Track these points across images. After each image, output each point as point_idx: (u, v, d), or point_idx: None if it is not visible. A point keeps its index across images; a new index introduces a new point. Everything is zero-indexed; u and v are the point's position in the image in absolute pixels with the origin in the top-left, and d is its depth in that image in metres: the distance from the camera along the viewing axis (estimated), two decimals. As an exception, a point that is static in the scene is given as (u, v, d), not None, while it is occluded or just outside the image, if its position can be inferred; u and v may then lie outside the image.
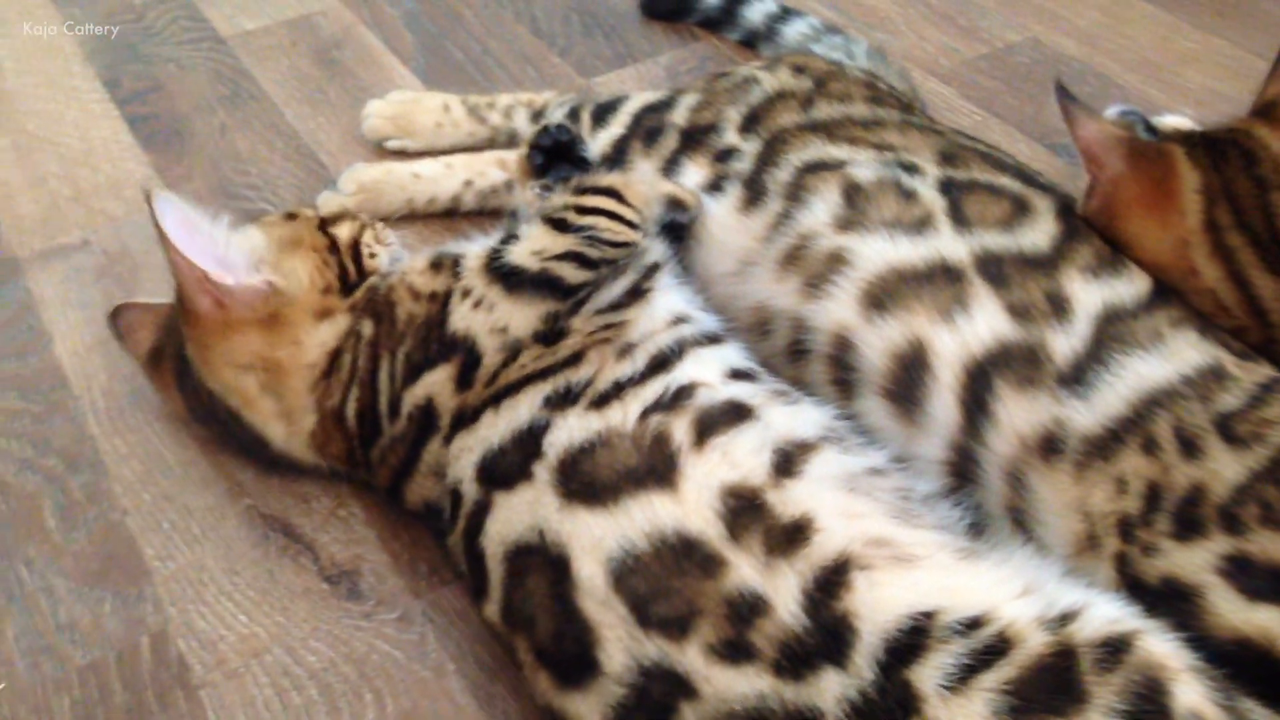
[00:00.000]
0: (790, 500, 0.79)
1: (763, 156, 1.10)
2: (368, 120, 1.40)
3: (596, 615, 0.77)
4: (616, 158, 1.18)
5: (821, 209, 1.02)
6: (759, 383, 0.91)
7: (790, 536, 0.77)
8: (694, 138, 1.15)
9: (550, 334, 0.91)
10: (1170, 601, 0.79)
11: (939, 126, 1.15)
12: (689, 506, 0.79)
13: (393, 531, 1.00)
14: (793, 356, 1.01)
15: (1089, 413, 0.86)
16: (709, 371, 0.90)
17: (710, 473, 0.80)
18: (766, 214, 1.06)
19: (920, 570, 0.75)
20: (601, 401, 0.86)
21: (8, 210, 1.34)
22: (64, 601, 0.96)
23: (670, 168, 1.14)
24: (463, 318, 0.92)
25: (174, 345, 1.02)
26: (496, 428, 0.87)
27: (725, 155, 1.12)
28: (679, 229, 1.06)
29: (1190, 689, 0.68)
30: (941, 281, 0.94)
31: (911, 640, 0.71)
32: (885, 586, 0.74)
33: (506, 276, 0.93)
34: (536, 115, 1.35)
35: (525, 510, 0.82)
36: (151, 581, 0.97)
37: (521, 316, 0.91)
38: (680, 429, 0.83)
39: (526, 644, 0.81)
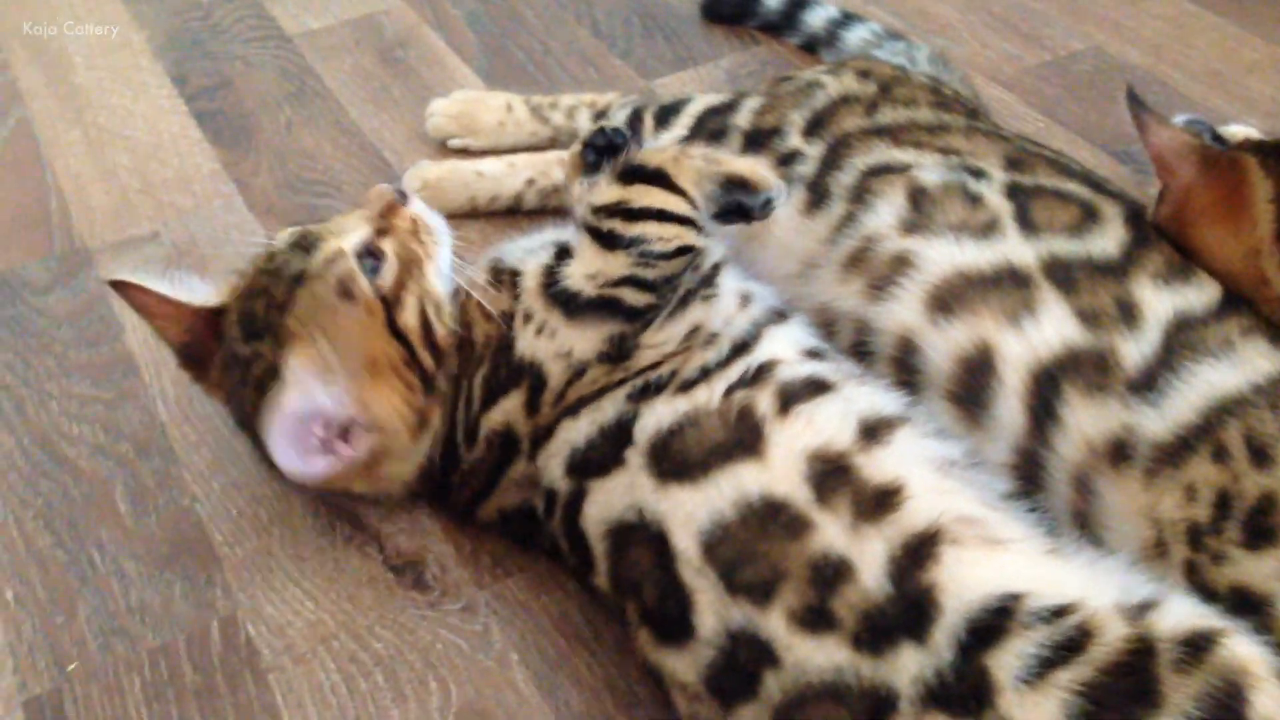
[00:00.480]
0: (879, 466, 0.80)
1: (826, 160, 1.10)
2: (432, 118, 1.42)
3: (693, 582, 0.79)
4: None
5: (886, 212, 1.02)
6: (832, 361, 0.92)
7: (880, 501, 0.78)
8: (757, 140, 1.16)
9: (616, 354, 0.90)
10: (1240, 611, 0.78)
11: (1004, 132, 1.15)
12: (776, 471, 0.81)
13: (457, 524, 1.01)
14: (856, 358, 1.00)
15: (1159, 420, 0.86)
16: (786, 349, 0.90)
17: (796, 436, 0.82)
18: (830, 217, 1.06)
19: (1010, 554, 0.76)
20: (688, 386, 0.87)
21: (80, 202, 1.37)
22: (135, 584, 0.98)
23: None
24: (528, 344, 0.92)
25: (225, 375, 0.97)
26: (579, 429, 0.88)
27: (788, 159, 1.12)
28: (746, 212, 0.99)
29: (1271, 698, 0.67)
30: (1009, 286, 0.94)
31: (995, 622, 0.71)
32: (974, 565, 0.74)
33: (564, 302, 0.91)
34: (599, 116, 1.36)
35: (622, 492, 0.84)
36: (220, 567, 0.99)
37: (584, 341, 0.90)
38: (764, 401, 0.84)
39: (635, 606, 0.84)
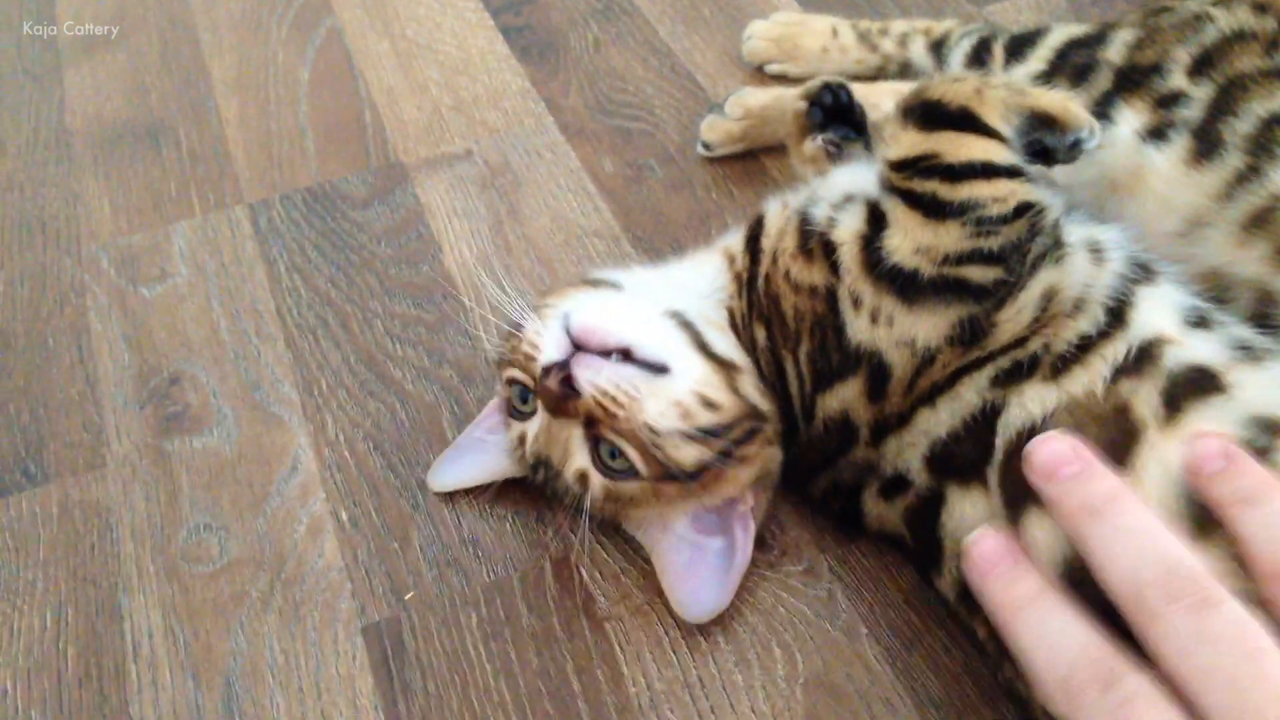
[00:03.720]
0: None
1: (1216, 104, 0.98)
2: (749, 41, 1.35)
3: None
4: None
5: (1300, 167, 0.90)
6: (1219, 328, 0.79)
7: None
8: (1131, 78, 1.04)
9: (969, 337, 0.78)
10: None
11: None
12: (1148, 499, 0.67)
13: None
14: (1256, 329, 0.90)
15: None
16: (1167, 319, 0.77)
17: (1174, 452, 0.68)
18: (1223, 169, 0.94)
19: None
20: (1061, 367, 0.76)
21: (393, 115, 1.36)
22: (465, 515, 0.96)
23: (1101, 110, 1.03)
24: (862, 331, 0.81)
25: None
26: (938, 419, 0.79)
27: (1169, 100, 1.00)
28: (1047, 154, 0.86)
29: None
30: None
31: None
32: None
33: (899, 284, 0.79)
34: (936, 45, 1.26)
35: (980, 516, 0.75)
36: (550, 505, 0.96)
37: (929, 328, 0.78)
38: (1147, 399, 0.71)
39: (989, 631, 0.75)
